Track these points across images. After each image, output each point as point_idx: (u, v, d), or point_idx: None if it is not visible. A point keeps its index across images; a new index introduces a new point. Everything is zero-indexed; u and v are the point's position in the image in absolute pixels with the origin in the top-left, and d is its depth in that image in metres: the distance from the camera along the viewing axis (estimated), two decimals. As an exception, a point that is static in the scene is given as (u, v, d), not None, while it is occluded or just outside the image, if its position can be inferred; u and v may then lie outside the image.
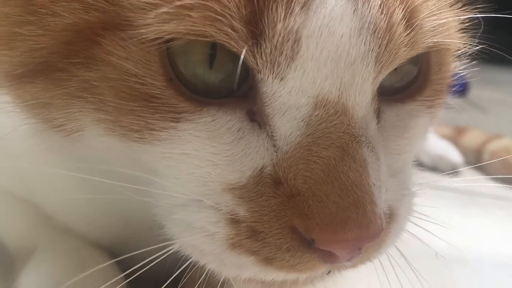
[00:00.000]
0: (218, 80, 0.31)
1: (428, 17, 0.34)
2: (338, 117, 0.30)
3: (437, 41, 0.35)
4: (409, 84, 0.38)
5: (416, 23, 0.33)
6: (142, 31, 0.31)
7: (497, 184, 1.06)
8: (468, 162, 1.18)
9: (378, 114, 0.36)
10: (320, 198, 0.29)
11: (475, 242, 0.80)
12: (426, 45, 0.35)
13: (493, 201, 1.01)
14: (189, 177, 0.33)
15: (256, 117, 0.32)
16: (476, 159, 1.20)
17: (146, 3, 0.30)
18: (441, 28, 0.35)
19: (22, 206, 0.53)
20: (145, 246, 0.35)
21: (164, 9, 0.29)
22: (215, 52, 0.31)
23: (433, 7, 0.34)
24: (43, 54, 0.33)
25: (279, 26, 0.29)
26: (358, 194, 0.29)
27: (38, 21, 0.33)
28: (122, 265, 0.41)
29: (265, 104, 0.31)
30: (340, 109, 0.31)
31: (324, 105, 0.30)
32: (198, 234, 0.32)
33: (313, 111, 0.30)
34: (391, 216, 0.35)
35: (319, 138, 0.30)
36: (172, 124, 0.32)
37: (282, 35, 0.29)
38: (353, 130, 0.31)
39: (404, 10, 0.32)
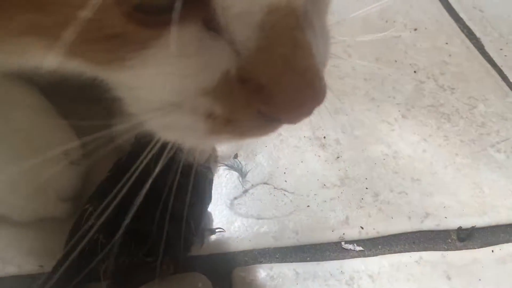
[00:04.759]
0: None
1: None
2: (287, 18, 0.33)
3: None
4: None
5: None
6: None
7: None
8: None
9: None
10: (281, 88, 0.33)
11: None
12: None
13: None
14: (164, 89, 0.35)
15: (213, 26, 0.33)
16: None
17: None
18: None
19: None
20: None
21: None
22: None
23: None
24: None
25: None
26: (310, 76, 0.34)
27: None
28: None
29: (220, 14, 0.33)
30: (289, 11, 0.33)
31: (275, 10, 0.33)
32: (179, 131, 0.37)
33: (266, 16, 0.33)
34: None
35: (273, 39, 0.33)
36: (139, 52, 0.33)
37: None
38: (300, 24, 0.34)
39: None
